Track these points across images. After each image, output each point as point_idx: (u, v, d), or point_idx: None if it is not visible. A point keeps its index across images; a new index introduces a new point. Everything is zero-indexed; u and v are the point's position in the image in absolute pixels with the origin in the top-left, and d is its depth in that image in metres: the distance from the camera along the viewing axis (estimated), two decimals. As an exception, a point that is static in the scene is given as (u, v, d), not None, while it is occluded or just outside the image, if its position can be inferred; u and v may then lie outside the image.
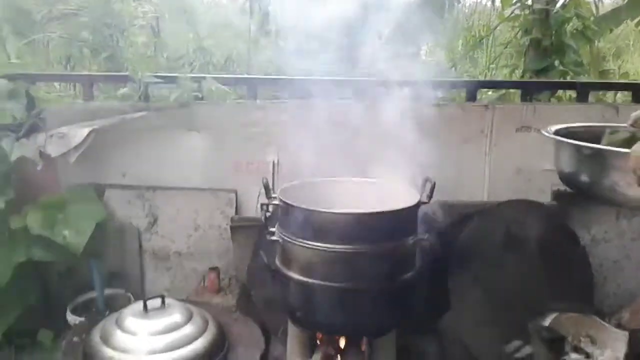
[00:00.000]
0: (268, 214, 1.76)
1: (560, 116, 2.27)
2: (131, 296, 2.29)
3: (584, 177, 1.76)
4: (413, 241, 1.68)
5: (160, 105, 2.27)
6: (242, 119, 2.29)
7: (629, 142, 1.73)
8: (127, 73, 2.35)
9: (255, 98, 2.43)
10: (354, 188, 1.92)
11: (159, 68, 3.34)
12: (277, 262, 1.75)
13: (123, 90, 2.24)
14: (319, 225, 1.60)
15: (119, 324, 1.69)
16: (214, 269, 2.22)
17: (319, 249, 1.60)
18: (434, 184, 1.75)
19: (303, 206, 1.62)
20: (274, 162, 2.32)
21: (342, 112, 2.11)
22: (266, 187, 1.75)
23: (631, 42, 7.15)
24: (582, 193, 1.87)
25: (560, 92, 3.24)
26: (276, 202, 1.72)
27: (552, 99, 3.05)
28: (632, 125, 1.80)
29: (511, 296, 2.02)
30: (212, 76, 2.41)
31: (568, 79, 3.44)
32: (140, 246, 2.37)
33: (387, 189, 1.88)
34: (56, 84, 3.27)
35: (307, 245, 1.62)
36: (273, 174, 2.31)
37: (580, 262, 2.18)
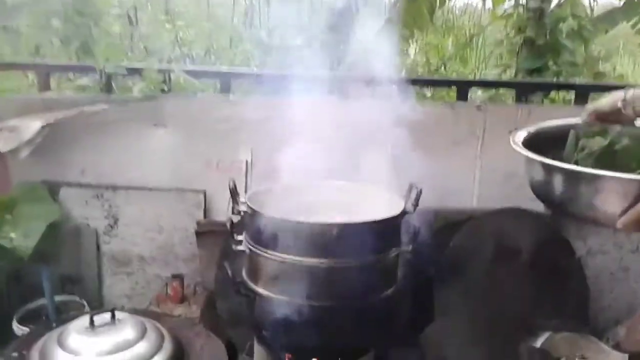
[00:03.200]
0: (236, 220, 1.58)
1: (556, 118, 2.11)
2: (85, 303, 2.10)
3: (557, 197, 1.52)
4: (396, 254, 1.51)
5: (124, 97, 2.08)
6: (213, 115, 2.11)
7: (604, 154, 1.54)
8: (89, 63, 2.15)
9: (228, 92, 2.24)
10: (332, 192, 1.75)
11: (134, 59, 3.15)
12: (244, 274, 1.57)
13: (82, 81, 2.04)
14: (290, 236, 1.42)
15: (61, 343, 1.49)
16: (178, 276, 2.04)
17: (289, 262, 1.43)
18: (420, 191, 1.58)
19: (272, 214, 1.44)
20: (247, 162, 2.13)
21: (323, 111, 1.93)
22: (233, 192, 1.56)
23: (621, 45, 7.05)
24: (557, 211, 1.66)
25: (553, 93, 3.09)
26: (244, 208, 1.54)
27: (546, 101, 2.90)
28: (587, 121, 1.62)
29: (501, 311, 1.86)
30: (184, 69, 2.22)
31: (562, 79, 3.30)
32: (98, 249, 2.18)
33: (369, 194, 1.71)
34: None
35: (276, 258, 1.44)
36: (246, 174, 2.13)
37: (575, 275, 2.03)
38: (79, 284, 2.17)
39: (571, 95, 3.12)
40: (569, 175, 1.39)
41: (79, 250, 2.16)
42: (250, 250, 1.50)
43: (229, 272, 1.56)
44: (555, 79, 3.21)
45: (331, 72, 2.10)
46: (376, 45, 2.17)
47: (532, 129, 1.78)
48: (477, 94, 3.48)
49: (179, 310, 2.00)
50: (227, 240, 1.61)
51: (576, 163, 1.52)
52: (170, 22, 3.98)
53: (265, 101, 2.12)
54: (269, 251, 1.45)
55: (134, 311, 1.86)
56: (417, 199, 1.56)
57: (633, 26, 3.93)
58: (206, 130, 2.10)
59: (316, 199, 1.70)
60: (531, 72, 3.40)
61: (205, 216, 2.14)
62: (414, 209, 1.56)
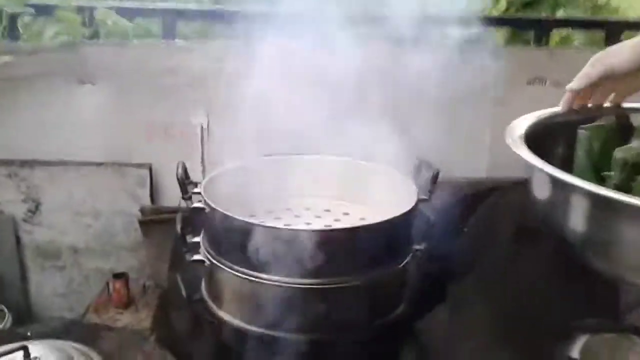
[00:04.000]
0: (189, 217, 1.16)
1: (581, 64, 1.72)
2: (5, 309, 1.67)
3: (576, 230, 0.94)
4: (407, 261, 1.12)
5: (34, 46, 1.59)
6: (155, 66, 1.65)
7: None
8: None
9: (173, 37, 1.76)
10: (319, 172, 1.33)
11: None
12: (203, 290, 1.17)
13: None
14: (262, 247, 1.00)
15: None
16: (120, 275, 1.61)
17: (262, 283, 1.02)
18: (437, 172, 1.18)
19: (236, 216, 1.02)
20: (202, 127, 1.69)
21: (299, 58, 1.50)
22: (181, 181, 1.13)
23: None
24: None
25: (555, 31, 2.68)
26: (199, 203, 1.12)
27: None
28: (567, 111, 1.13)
29: (525, 305, 1.52)
30: (112, 6, 1.71)
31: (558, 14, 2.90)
32: (18, 241, 1.73)
33: (365, 172, 1.31)
34: None
35: (246, 277, 1.03)
36: (202, 142, 1.69)
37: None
38: (-4, 284, 1.73)
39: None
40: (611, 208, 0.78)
41: (-7, 243, 1.72)
42: (211, 262, 1.09)
43: (182, 290, 1.16)
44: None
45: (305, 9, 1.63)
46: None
47: (535, 117, 1.26)
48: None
49: (124, 318, 1.59)
50: (178, 243, 1.19)
51: (621, 188, 0.93)
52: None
53: (223, 47, 1.66)
54: (235, 267, 1.05)
55: (61, 329, 1.46)
56: (433, 183, 1.17)
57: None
58: (147, 87, 1.64)
59: (299, 182, 1.29)
60: (525, 5, 3.00)
61: (152, 195, 1.71)
62: (430, 196, 1.17)
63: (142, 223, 1.59)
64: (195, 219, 1.15)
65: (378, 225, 1.02)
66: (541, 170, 0.89)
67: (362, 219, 1.27)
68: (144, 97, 1.66)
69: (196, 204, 1.12)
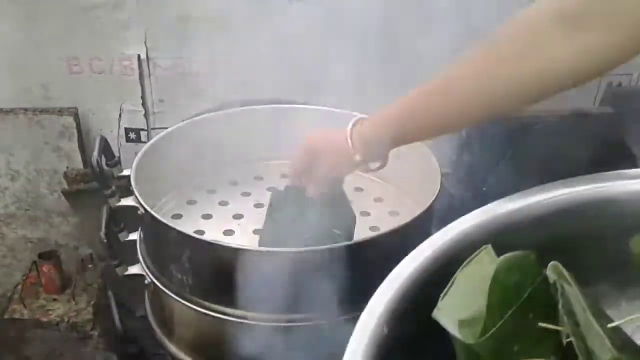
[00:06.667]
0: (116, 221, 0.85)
1: None
2: None
3: None
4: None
5: None
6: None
7: None
8: None
9: None
10: (296, 125, 1.01)
11: None
12: (148, 311, 0.88)
13: None
14: (225, 273, 0.71)
15: None
16: (50, 255, 1.32)
17: (227, 320, 0.74)
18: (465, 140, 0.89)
19: (181, 230, 0.72)
20: (140, 58, 1.32)
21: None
22: (98, 169, 0.81)
23: None
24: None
25: None
26: (129, 199, 0.80)
27: None
28: None
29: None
30: None
31: None
32: None
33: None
34: None
35: (202, 311, 0.75)
36: (142, 82, 1.33)
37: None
38: None
39: None
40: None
41: None
42: (154, 283, 0.80)
43: (115, 317, 0.87)
44: None
45: None
46: None
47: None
48: None
49: (58, 307, 1.32)
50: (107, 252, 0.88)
51: None
52: None
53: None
54: (187, 297, 0.76)
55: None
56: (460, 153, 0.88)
57: None
58: (61, 5, 1.25)
59: (274, 140, 0.97)
60: None
61: (81, 148, 1.37)
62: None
63: (68, 194, 1.26)
64: (126, 220, 0.84)
65: (383, 236, 0.73)
66: None
67: (358, 188, 0.99)
68: (57, 20, 1.28)
69: (124, 202, 0.80)
